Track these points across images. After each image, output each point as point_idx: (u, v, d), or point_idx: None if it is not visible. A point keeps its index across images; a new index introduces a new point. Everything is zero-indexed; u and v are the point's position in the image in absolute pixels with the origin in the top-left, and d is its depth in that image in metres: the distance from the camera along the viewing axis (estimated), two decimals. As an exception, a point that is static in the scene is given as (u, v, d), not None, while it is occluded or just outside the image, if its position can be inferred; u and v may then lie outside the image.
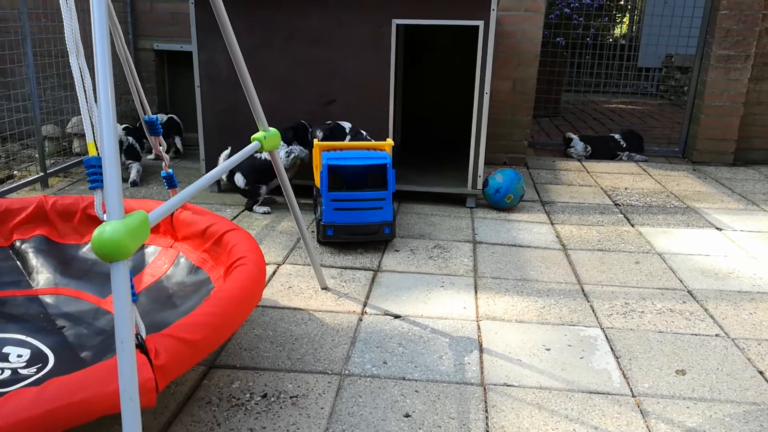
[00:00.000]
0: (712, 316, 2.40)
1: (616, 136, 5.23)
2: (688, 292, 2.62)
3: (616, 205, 3.85)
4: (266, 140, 2.13)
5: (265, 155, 3.40)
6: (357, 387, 1.87)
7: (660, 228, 3.42)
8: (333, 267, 2.76)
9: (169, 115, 4.61)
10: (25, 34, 3.60)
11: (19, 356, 1.84)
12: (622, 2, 9.38)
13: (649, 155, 5.24)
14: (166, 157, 2.16)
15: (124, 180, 3.99)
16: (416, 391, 1.86)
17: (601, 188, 4.23)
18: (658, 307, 2.46)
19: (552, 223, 3.45)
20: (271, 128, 2.18)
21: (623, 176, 4.59)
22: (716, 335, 2.25)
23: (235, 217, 3.38)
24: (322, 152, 2.99)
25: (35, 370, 1.78)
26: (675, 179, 4.53)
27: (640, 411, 1.79)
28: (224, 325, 1.59)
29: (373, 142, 3.16)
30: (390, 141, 3.10)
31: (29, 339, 1.93)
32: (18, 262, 2.34)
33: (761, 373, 2.02)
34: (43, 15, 4.25)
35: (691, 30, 5.61)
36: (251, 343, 2.11)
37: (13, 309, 2.11)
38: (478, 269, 2.79)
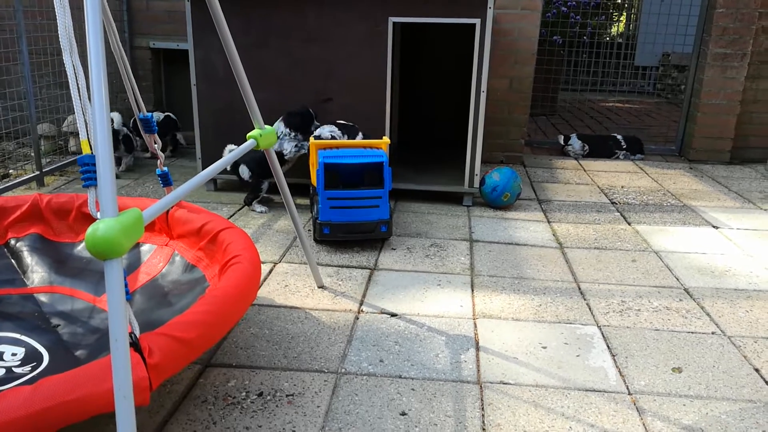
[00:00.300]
0: (708, 314, 2.40)
1: (618, 136, 5.21)
2: (685, 290, 2.62)
3: (612, 203, 3.85)
4: (262, 138, 2.13)
5: (276, 147, 3.39)
6: (353, 385, 1.87)
7: (656, 226, 3.42)
8: (329, 265, 2.76)
9: (166, 114, 4.60)
10: (20, 32, 3.59)
11: (14, 355, 1.83)
12: (619, 1, 9.38)
13: (645, 153, 5.25)
14: (161, 155, 2.15)
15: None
16: (412, 390, 1.85)
17: (598, 187, 4.23)
18: (654, 305, 2.46)
19: (549, 222, 3.45)
20: (267, 126, 2.18)
21: (620, 175, 4.60)
22: (712, 333, 2.26)
23: (231, 216, 3.37)
24: (318, 150, 2.98)
25: (30, 368, 1.77)
26: (672, 177, 4.54)
27: (637, 409, 1.79)
28: (219, 323, 1.58)
29: (369, 140, 3.15)
30: (386, 139, 3.09)
31: (24, 337, 1.92)
32: (13, 261, 2.33)
33: (757, 370, 2.02)
34: (38, 13, 4.24)
35: (688, 28, 5.62)
36: (247, 341, 2.10)
37: (8, 307, 2.10)
38: (474, 267, 2.78)
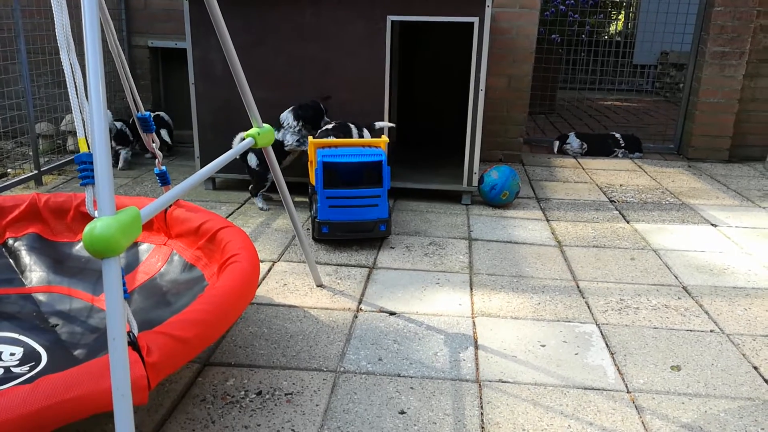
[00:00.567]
0: (707, 312, 2.40)
1: (616, 134, 5.22)
2: (683, 288, 2.62)
3: (611, 201, 3.85)
4: (260, 136, 2.12)
5: (278, 136, 3.40)
6: (352, 384, 1.87)
7: (655, 224, 3.43)
8: (328, 264, 2.76)
9: (156, 113, 4.59)
10: (18, 31, 3.58)
11: (12, 354, 1.83)
12: (617, -1, 9.38)
13: (644, 152, 5.25)
14: (159, 154, 2.15)
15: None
16: (411, 388, 1.85)
17: (597, 185, 4.24)
18: (653, 303, 2.46)
19: (547, 220, 3.45)
20: (265, 124, 2.18)
21: (619, 173, 4.60)
22: (711, 331, 2.26)
23: (230, 215, 3.37)
24: (317, 149, 2.98)
25: (28, 368, 1.77)
26: (670, 176, 4.54)
27: (635, 407, 1.80)
28: (217, 322, 1.58)
29: (367, 139, 3.15)
30: (385, 138, 3.09)
31: (22, 337, 1.92)
32: (11, 260, 2.33)
33: (756, 368, 2.02)
34: (36, 12, 4.23)
35: (686, 27, 5.61)
36: (246, 340, 2.10)
37: (6, 307, 2.10)
38: (473, 266, 2.78)
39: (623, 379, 1.93)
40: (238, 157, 3.42)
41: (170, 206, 2.31)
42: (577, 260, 2.88)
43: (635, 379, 1.93)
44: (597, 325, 2.28)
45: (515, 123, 4.73)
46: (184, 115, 4.44)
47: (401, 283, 2.58)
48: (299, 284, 2.54)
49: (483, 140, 3.69)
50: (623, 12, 9.74)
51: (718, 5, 4.72)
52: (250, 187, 3.52)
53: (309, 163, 3.12)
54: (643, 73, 9.50)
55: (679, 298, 2.52)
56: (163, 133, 4.56)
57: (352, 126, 3.36)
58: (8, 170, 4.08)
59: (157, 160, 2.15)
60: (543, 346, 2.12)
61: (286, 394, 1.81)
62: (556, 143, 5.23)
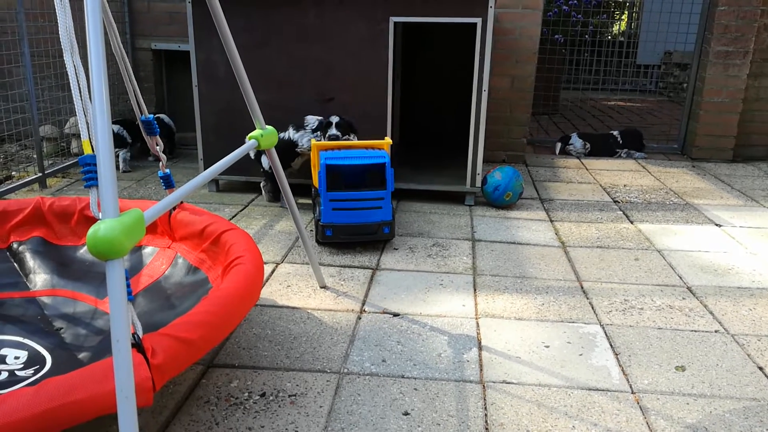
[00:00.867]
0: (711, 312, 2.39)
1: (614, 132, 5.23)
2: (688, 288, 2.62)
3: (615, 202, 3.84)
4: (263, 138, 2.13)
5: (289, 134, 3.40)
6: (356, 385, 1.86)
7: (659, 225, 3.42)
8: (332, 266, 2.76)
9: (157, 116, 4.60)
10: (22, 35, 3.59)
11: (17, 358, 1.84)
12: (620, -1, 9.37)
13: (648, 152, 5.24)
14: (164, 157, 2.16)
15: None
16: (415, 389, 1.85)
17: (600, 185, 4.23)
18: (657, 304, 2.45)
19: (551, 221, 3.45)
20: (268, 126, 2.18)
21: (622, 173, 4.59)
22: (716, 331, 2.25)
23: (233, 217, 3.38)
24: (320, 152, 2.98)
25: (32, 371, 1.77)
26: (674, 176, 4.53)
27: (640, 407, 1.79)
28: (222, 324, 1.58)
29: (370, 141, 3.15)
30: (388, 140, 3.09)
31: (26, 341, 1.93)
32: (15, 264, 2.33)
33: (761, 368, 2.01)
34: (40, 15, 4.25)
35: (690, 26, 5.60)
36: (250, 342, 2.10)
37: (11, 310, 2.11)
38: (477, 267, 2.78)
39: (628, 380, 1.93)
40: (252, 157, 3.45)
41: (174, 209, 2.31)
42: (580, 261, 2.88)
43: (640, 380, 1.93)
44: (601, 325, 2.27)
45: (518, 124, 4.72)
46: (188, 118, 4.45)
47: (405, 285, 2.58)
48: (303, 286, 2.54)
49: (486, 141, 3.69)
50: (626, 12, 9.73)
51: (721, 5, 4.71)
52: (269, 197, 3.55)
53: (312, 165, 3.12)
54: (647, 73, 9.48)
55: (683, 298, 2.52)
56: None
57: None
58: (12, 173, 4.09)
59: (161, 163, 2.16)
60: (547, 346, 2.12)
61: (289, 396, 1.81)
62: (558, 145, 5.22)
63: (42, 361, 1.82)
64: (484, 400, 1.81)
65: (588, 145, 5.13)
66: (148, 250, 2.34)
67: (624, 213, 3.62)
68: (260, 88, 3.47)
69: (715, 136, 4.99)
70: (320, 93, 3.57)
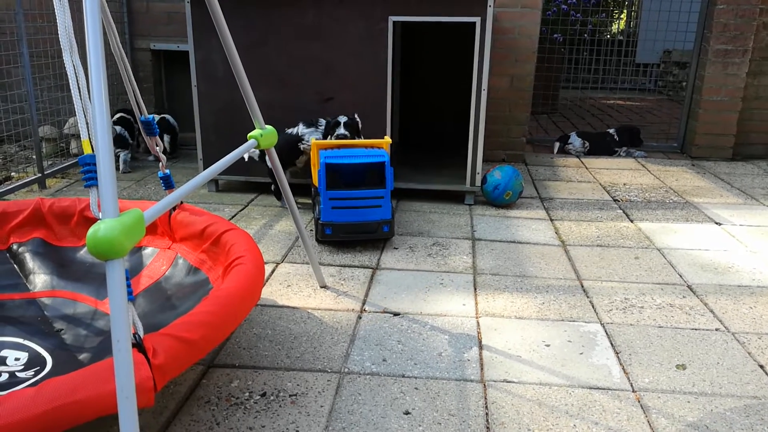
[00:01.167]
0: (712, 311, 2.39)
1: (611, 131, 5.24)
2: (688, 286, 2.61)
3: (614, 200, 3.84)
4: (263, 138, 2.13)
5: (295, 130, 3.40)
6: (356, 385, 1.86)
7: (659, 223, 3.42)
8: (332, 265, 2.76)
9: (161, 116, 4.60)
10: (21, 35, 3.59)
11: (17, 359, 1.83)
12: (619, -2, 9.38)
13: (647, 151, 5.24)
14: (163, 157, 2.15)
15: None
16: (416, 389, 1.85)
17: (600, 184, 4.23)
18: (657, 302, 2.45)
19: (551, 220, 3.44)
20: (267, 126, 2.18)
21: (622, 172, 4.59)
22: (716, 329, 2.25)
23: (233, 217, 3.37)
24: (319, 150, 2.98)
25: (33, 373, 1.77)
26: (674, 174, 4.53)
27: (641, 406, 1.79)
28: (223, 324, 1.58)
29: (370, 140, 3.15)
30: (388, 139, 3.09)
31: (27, 342, 1.92)
32: (15, 266, 2.33)
33: (762, 367, 2.01)
34: (39, 16, 4.25)
35: (689, 25, 5.60)
36: (250, 342, 2.10)
37: (11, 312, 2.10)
38: (477, 266, 2.78)
39: (628, 379, 1.93)
40: (256, 159, 3.44)
41: (174, 210, 2.31)
42: (581, 260, 2.88)
43: (640, 379, 1.93)
44: (602, 324, 2.27)
45: (518, 123, 4.72)
46: (187, 118, 4.45)
47: (405, 284, 2.58)
48: (303, 285, 2.54)
49: (486, 140, 3.69)
50: (625, 11, 9.73)
51: (720, 3, 4.71)
52: (275, 192, 3.57)
53: (312, 164, 3.12)
54: (646, 72, 9.48)
55: (683, 296, 2.52)
56: (165, 138, 4.58)
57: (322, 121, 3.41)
58: (12, 174, 4.09)
59: (161, 163, 2.15)
60: (547, 345, 2.12)
61: (290, 396, 1.81)
62: (557, 144, 5.22)
63: (42, 363, 1.82)
64: (485, 399, 1.81)
65: (587, 144, 5.13)
66: (148, 251, 2.34)
67: (624, 212, 3.62)
68: (259, 88, 3.47)
69: (715, 134, 4.99)
70: (319, 92, 3.57)
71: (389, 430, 1.66)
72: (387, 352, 2.05)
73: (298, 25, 3.48)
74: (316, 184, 2.99)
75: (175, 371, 1.41)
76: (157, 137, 2.10)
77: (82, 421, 1.26)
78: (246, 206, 3.55)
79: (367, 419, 1.70)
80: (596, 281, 2.64)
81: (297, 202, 2.61)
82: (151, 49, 4.87)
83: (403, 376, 1.91)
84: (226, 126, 3.65)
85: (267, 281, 2.57)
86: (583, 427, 1.68)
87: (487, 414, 1.74)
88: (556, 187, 4.14)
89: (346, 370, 1.94)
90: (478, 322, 2.26)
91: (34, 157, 3.88)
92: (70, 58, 1.26)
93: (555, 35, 6.84)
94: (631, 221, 3.45)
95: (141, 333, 1.35)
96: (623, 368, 1.98)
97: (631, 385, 1.89)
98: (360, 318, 2.28)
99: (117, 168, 4.29)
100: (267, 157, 3.42)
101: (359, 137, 3.34)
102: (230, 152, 1.91)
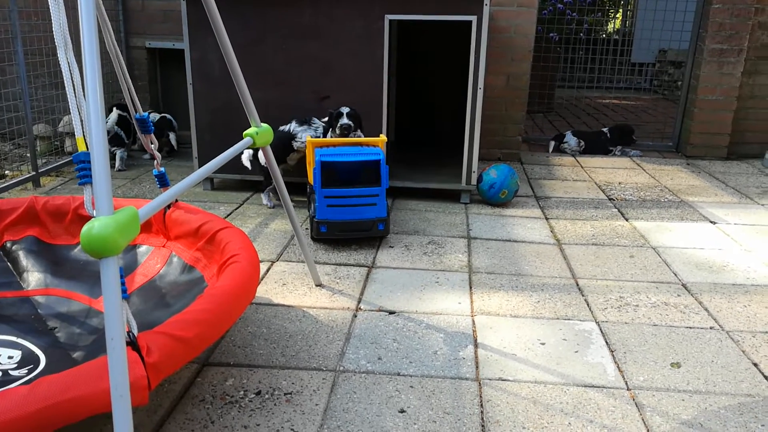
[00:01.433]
0: (706, 309, 2.40)
1: (604, 129, 5.25)
2: (683, 285, 2.62)
3: (610, 199, 3.85)
4: (258, 136, 2.12)
5: (288, 128, 3.40)
6: (352, 383, 1.86)
7: (654, 222, 3.42)
8: (327, 264, 2.75)
9: (162, 114, 4.61)
10: (15, 33, 3.58)
11: (10, 357, 1.83)
12: (614, -3, 9.39)
13: (642, 150, 5.25)
14: (158, 155, 2.15)
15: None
16: (411, 387, 1.85)
17: (595, 183, 4.23)
18: (652, 301, 2.46)
19: (546, 218, 3.45)
20: (263, 124, 2.17)
21: (617, 171, 4.60)
22: (711, 328, 2.26)
23: (228, 215, 3.37)
24: (315, 148, 2.98)
25: (26, 371, 1.76)
26: (669, 173, 4.54)
27: (635, 404, 1.79)
28: (218, 322, 1.58)
29: (365, 138, 3.15)
30: (383, 137, 3.09)
31: (20, 340, 1.92)
32: (9, 264, 2.32)
33: (756, 365, 2.02)
34: (33, 13, 4.23)
35: (684, 24, 5.61)
36: (245, 340, 2.09)
37: (4, 310, 2.09)
38: (472, 265, 2.78)
39: (623, 377, 1.93)
40: (250, 157, 3.44)
41: (169, 208, 2.30)
42: (576, 258, 2.88)
43: (635, 377, 1.93)
44: (596, 322, 2.28)
45: (514, 122, 4.73)
46: (182, 116, 4.44)
47: (400, 282, 2.58)
48: (298, 284, 2.54)
49: (482, 139, 3.69)
50: (621, 10, 9.74)
51: (716, 2, 4.72)
52: (263, 183, 3.56)
53: (307, 162, 3.12)
54: (642, 71, 9.50)
55: (678, 295, 2.52)
56: (171, 136, 4.58)
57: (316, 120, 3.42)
58: (6, 172, 4.07)
59: (155, 161, 2.15)
60: (543, 344, 2.12)
61: (285, 394, 1.80)
62: (552, 143, 5.22)
63: (36, 361, 1.81)
64: (480, 397, 1.81)
65: (582, 143, 5.14)
66: (142, 249, 2.34)
67: (619, 210, 3.63)
68: (255, 86, 3.46)
69: (710, 133, 5.00)
70: (316, 91, 3.56)
71: (384, 428, 1.66)
72: (382, 351, 2.05)
73: (294, 24, 3.47)
74: (312, 182, 2.98)
75: (170, 369, 1.40)
76: (152, 135, 2.09)
77: (76, 419, 1.25)
78: (241, 205, 3.55)
79: (362, 417, 1.70)
80: (591, 280, 2.65)
81: (292, 200, 2.61)
82: (146, 47, 4.85)
83: (399, 375, 1.91)
84: (221, 124, 3.65)
85: (262, 279, 2.57)
86: (578, 425, 1.69)
87: (482, 412, 1.74)
88: (552, 185, 4.14)
89: (342, 368, 1.94)
90: (473, 321, 2.26)
91: (29, 155, 3.86)
92: (64, 56, 1.26)
93: (551, 34, 6.84)
94: (626, 220, 3.45)
95: (135, 331, 1.34)
96: (618, 366, 1.99)
97: (626, 384, 1.89)
98: (355, 316, 2.28)
99: (113, 165, 4.28)
100: (259, 155, 3.43)
101: (361, 128, 3.34)
102: (225, 150, 1.91)
